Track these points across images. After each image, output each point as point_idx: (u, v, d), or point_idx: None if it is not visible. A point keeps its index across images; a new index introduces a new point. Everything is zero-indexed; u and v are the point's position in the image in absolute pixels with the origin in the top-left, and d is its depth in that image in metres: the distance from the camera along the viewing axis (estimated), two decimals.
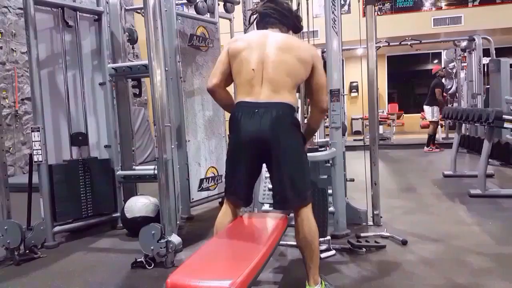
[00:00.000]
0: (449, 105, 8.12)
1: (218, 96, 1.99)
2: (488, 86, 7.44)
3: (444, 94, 8.01)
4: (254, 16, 2.07)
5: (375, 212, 3.17)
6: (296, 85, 1.93)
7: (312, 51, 1.99)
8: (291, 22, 2.06)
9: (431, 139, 7.73)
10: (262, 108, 1.81)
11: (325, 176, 3.00)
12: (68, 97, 3.28)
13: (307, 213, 1.88)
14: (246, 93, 1.87)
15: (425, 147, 7.73)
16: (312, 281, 1.88)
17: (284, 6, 2.04)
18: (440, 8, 9.48)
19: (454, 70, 8.52)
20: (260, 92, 1.84)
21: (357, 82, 11.76)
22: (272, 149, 1.80)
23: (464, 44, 7.71)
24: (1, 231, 2.76)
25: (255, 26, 2.09)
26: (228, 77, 1.97)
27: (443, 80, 8.01)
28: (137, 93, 3.86)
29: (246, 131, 1.83)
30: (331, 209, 2.89)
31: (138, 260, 2.52)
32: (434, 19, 9.34)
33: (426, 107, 7.71)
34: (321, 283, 1.93)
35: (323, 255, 2.51)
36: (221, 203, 3.83)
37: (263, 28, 2.02)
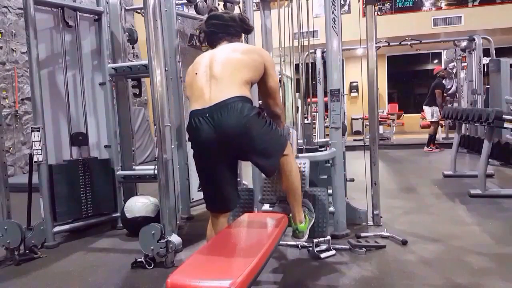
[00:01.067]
0: (449, 105, 8.12)
1: None
2: (488, 86, 7.44)
3: (444, 94, 8.00)
4: (202, 35, 2.07)
5: (375, 212, 3.17)
6: (248, 81, 1.83)
7: (262, 52, 1.99)
8: (239, 29, 2.04)
9: (432, 139, 7.73)
10: (213, 111, 1.73)
11: (325, 176, 3.01)
12: (68, 97, 3.28)
13: (286, 161, 1.97)
14: (195, 100, 1.81)
15: (425, 147, 7.73)
16: (298, 219, 2.08)
17: (226, 18, 2.00)
18: (440, 8, 9.49)
19: (454, 70, 8.52)
20: (209, 94, 1.77)
21: (357, 82, 11.77)
22: (237, 146, 1.77)
23: (464, 44, 7.71)
24: (1, 231, 2.76)
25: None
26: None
27: (444, 81, 8.01)
28: (137, 93, 3.86)
29: (203, 137, 1.76)
30: (331, 209, 2.89)
31: (138, 260, 2.52)
32: (434, 19, 9.34)
33: (425, 108, 7.72)
34: (305, 218, 2.13)
35: (323, 255, 2.51)
36: None
37: (213, 44, 2.01)
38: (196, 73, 1.87)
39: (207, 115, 1.73)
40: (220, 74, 1.79)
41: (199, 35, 2.08)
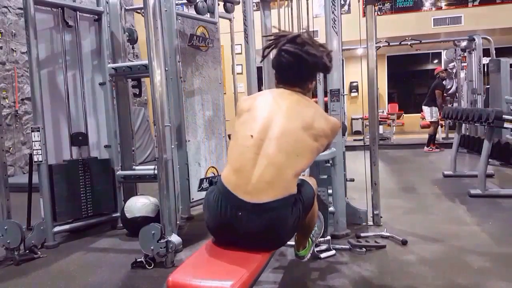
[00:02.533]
0: (448, 105, 8.12)
1: None
2: (488, 86, 7.45)
3: (444, 94, 8.00)
4: (268, 50, 1.71)
5: (375, 212, 3.17)
6: (304, 169, 1.56)
7: (335, 128, 1.67)
8: (316, 74, 1.71)
9: (432, 139, 7.73)
10: (249, 211, 1.42)
11: (325, 176, 3.00)
12: (68, 97, 3.28)
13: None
14: (233, 169, 1.49)
15: (425, 147, 7.73)
16: (301, 247, 1.92)
17: (310, 63, 1.60)
18: (440, 8, 9.48)
19: (454, 70, 8.52)
20: (252, 178, 1.43)
21: (357, 82, 11.75)
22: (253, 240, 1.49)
23: (464, 44, 7.71)
24: (1, 231, 2.76)
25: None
26: None
27: (444, 81, 8.00)
28: (137, 93, 3.86)
29: (219, 224, 1.51)
30: (331, 209, 2.89)
31: (138, 260, 2.52)
32: (434, 19, 9.34)
33: (425, 108, 7.71)
34: (308, 242, 1.95)
35: (323, 255, 2.51)
36: None
37: (280, 80, 1.67)
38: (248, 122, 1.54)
39: (240, 212, 1.43)
40: (274, 157, 1.44)
41: (265, 50, 1.72)
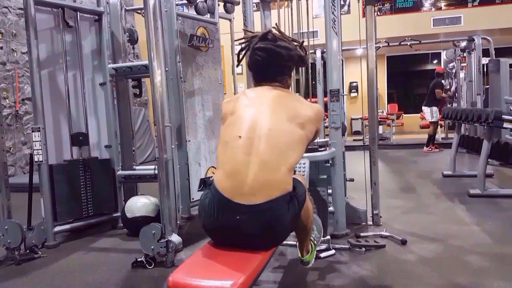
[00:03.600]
0: (448, 105, 8.12)
1: None
2: (487, 86, 7.45)
3: (444, 94, 7.98)
4: (243, 53, 1.72)
5: (374, 212, 3.18)
6: (297, 162, 1.57)
7: (319, 114, 1.66)
8: (293, 67, 1.73)
9: (431, 139, 7.74)
10: (245, 213, 1.41)
11: (325, 176, 3.01)
12: (69, 97, 3.29)
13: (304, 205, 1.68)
14: (225, 173, 1.47)
15: (425, 147, 7.74)
16: (305, 251, 1.90)
17: (284, 57, 1.62)
18: (440, 8, 9.48)
19: (454, 70, 8.53)
20: (246, 180, 1.41)
21: (356, 82, 11.76)
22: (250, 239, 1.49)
23: (463, 44, 7.71)
24: (1, 231, 2.76)
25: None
26: None
27: (443, 81, 8.00)
28: (138, 93, 3.87)
29: (216, 227, 1.49)
30: (331, 209, 2.90)
31: (139, 259, 2.53)
32: (433, 19, 9.34)
33: (425, 108, 7.71)
34: (311, 245, 1.93)
35: (322, 254, 2.52)
36: None
37: (259, 78, 1.68)
38: (236, 118, 1.53)
39: (238, 216, 1.41)
40: (266, 155, 1.43)
41: (239, 53, 1.72)
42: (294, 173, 1.62)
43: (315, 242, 2.02)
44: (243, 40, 1.73)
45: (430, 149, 7.66)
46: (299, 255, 1.92)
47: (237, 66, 2.17)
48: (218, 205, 1.45)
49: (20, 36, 6.34)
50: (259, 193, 1.40)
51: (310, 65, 5.52)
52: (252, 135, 1.46)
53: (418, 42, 7.83)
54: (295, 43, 1.69)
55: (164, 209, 2.58)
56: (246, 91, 1.69)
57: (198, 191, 1.58)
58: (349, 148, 4.95)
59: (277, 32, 1.67)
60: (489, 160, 4.14)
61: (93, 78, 3.47)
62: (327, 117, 2.91)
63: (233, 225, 1.43)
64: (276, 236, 1.52)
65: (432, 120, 7.56)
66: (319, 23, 3.32)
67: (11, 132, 6.20)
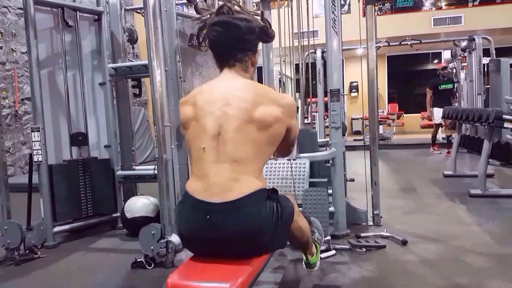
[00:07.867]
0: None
1: None
2: (488, 86, 7.43)
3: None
4: (201, 33, 1.56)
5: (375, 212, 3.17)
6: (267, 159, 1.51)
7: (291, 108, 1.51)
8: (256, 42, 1.55)
9: (433, 140, 7.68)
10: (218, 212, 1.35)
11: (325, 176, 3.01)
12: (68, 97, 3.28)
13: (296, 224, 1.61)
14: (196, 176, 1.43)
15: (431, 148, 7.64)
16: (309, 254, 1.88)
17: (242, 29, 1.47)
18: (440, 8, 9.49)
19: (454, 70, 8.51)
20: (216, 180, 1.37)
21: (357, 82, 11.77)
22: (237, 249, 1.42)
23: (464, 44, 7.69)
24: (1, 231, 2.76)
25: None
26: None
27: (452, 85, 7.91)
28: (137, 93, 3.86)
29: (195, 235, 1.42)
30: (331, 209, 2.89)
31: (138, 260, 2.52)
32: (434, 19, 9.35)
33: (436, 109, 7.30)
34: (316, 246, 1.93)
35: (323, 255, 2.51)
36: None
37: (219, 61, 1.55)
38: (199, 124, 1.44)
39: (208, 216, 1.36)
40: (233, 154, 1.38)
41: (199, 34, 1.58)
42: (283, 190, 1.56)
43: (319, 242, 2.00)
44: (199, 20, 1.58)
45: (434, 149, 7.62)
46: (304, 258, 1.90)
47: (199, 49, 2.01)
48: (190, 208, 1.42)
49: (19, 36, 6.33)
50: (230, 191, 1.36)
51: (310, 64, 5.51)
52: (216, 144, 1.40)
53: (419, 41, 7.81)
54: (253, 13, 1.55)
55: (164, 209, 2.57)
56: (203, 86, 1.57)
57: None
58: (350, 148, 4.95)
59: (233, 4, 1.51)
60: (489, 160, 4.13)
61: (92, 78, 3.46)
62: (327, 117, 2.90)
63: (208, 228, 1.36)
64: (259, 237, 1.39)
65: (437, 122, 7.40)
66: (319, 23, 3.31)
67: (11, 132, 6.19)
